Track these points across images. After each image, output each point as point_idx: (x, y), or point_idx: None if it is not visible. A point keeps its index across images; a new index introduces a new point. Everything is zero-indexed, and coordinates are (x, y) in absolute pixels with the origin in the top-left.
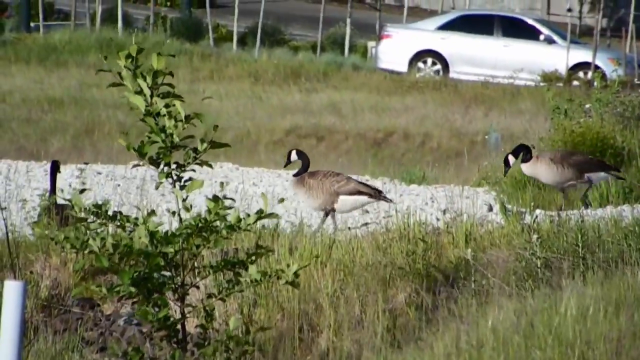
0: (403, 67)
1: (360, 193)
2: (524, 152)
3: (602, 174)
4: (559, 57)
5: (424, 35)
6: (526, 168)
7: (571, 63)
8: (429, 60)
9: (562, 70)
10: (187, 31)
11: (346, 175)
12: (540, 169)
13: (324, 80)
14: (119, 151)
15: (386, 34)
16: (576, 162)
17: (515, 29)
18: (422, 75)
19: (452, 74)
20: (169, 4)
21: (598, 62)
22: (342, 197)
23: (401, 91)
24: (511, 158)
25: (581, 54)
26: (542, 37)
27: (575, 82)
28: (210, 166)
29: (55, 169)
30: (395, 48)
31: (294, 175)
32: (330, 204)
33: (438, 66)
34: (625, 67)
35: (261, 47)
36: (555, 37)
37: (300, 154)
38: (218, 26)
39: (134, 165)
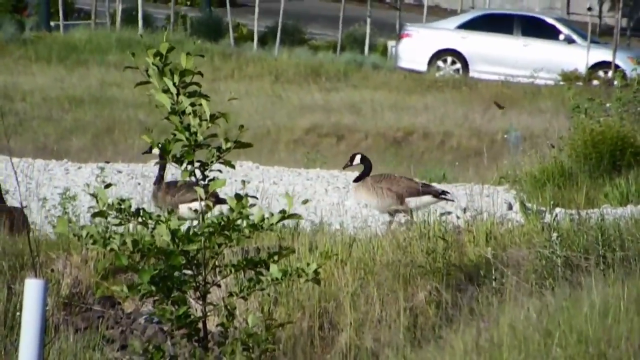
0: (423, 66)
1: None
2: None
3: (426, 198)
4: (578, 56)
5: (444, 34)
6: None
7: (591, 62)
8: (449, 59)
9: (582, 69)
10: (208, 30)
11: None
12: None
13: (344, 79)
14: (140, 150)
15: (406, 33)
16: (396, 188)
17: (535, 28)
18: (441, 74)
19: (471, 73)
20: (189, 3)
21: (618, 61)
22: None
23: (421, 90)
24: (357, 159)
25: (601, 53)
26: (561, 36)
27: (595, 82)
28: (233, 166)
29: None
30: (415, 47)
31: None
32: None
33: (458, 65)
34: None
35: (281, 46)
36: (575, 37)
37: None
38: (238, 25)
39: (157, 163)
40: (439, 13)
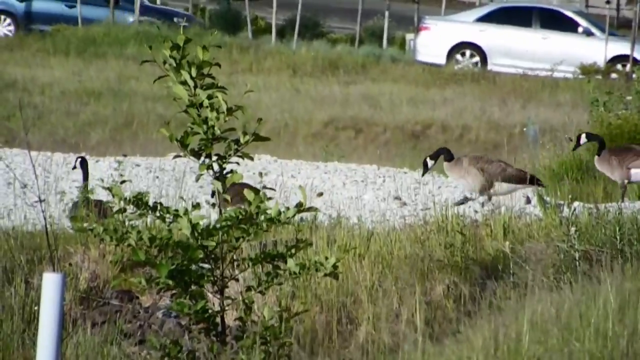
0: (441, 59)
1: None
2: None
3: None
4: (597, 49)
5: (463, 27)
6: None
7: (610, 55)
8: (467, 53)
9: (601, 62)
10: (226, 23)
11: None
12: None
13: (362, 72)
14: (158, 143)
15: (425, 26)
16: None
17: (554, 21)
18: (460, 67)
19: (490, 66)
20: None
21: (637, 55)
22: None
23: (439, 83)
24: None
25: (620, 47)
26: (580, 29)
27: (614, 75)
28: (251, 158)
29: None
30: (434, 40)
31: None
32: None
33: (476, 58)
34: None
35: (299, 40)
36: (594, 30)
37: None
38: (257, 18)
39: (175, 157)
40: (457, 6)
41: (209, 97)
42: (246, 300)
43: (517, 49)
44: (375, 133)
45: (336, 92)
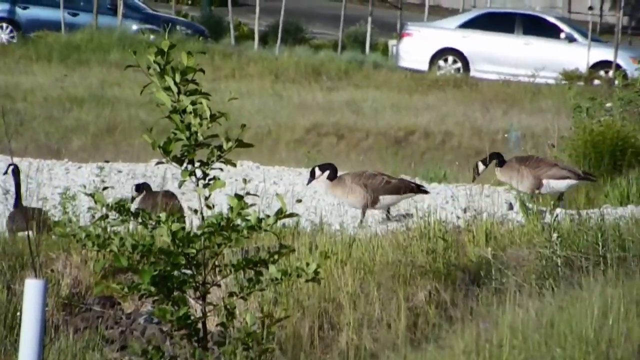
0: (424, 65)
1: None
2: (497, 159)
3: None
4: (580, 55)
5: (445, 33)
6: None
7: (592, 61)
8: (450, 59)
9: (583, 68)
10: (209, 29)
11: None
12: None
13: (345, 78)
14: (140, 149)
15: (407, 32)
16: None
17: (536, 27)
18: (442, 73)
19: (472, 73)
20: (190, 2)
21: (620, 61)
22: (545, 181)
23: (422, 89)
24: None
25: (602, 53)
26: (563, 35)
27: (596, 81)
28: (234, 165)
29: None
30: (416, 46)
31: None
32: (538, 187)
33: (459, 64)
34: None
35: (282, 45)
36: (576, 35)
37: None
38: (239, 24)
39: (157, 163)
40: (440, 12)
41: (193, 103)
42: (228, 306)
43: (500, 55)
44: (358, 139)
45: (319, 98)
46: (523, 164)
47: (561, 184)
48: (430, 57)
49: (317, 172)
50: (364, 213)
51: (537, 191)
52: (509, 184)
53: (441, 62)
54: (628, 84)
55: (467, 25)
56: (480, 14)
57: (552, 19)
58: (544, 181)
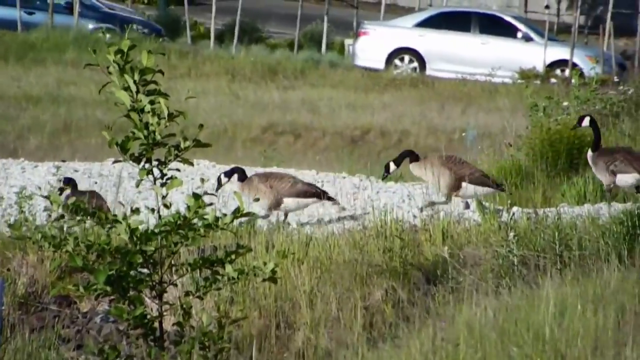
0: (380, 64)
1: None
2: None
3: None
4: (536, 54)
5: (401, 32)
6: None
7: (549, 60)
8: (406, 58)
9: (540, 67)
10: (165, 28)
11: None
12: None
13: (301, 77)
14: (97, 149)
15: (363, 31)
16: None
17: (493, 26)
18: (399, 72)
19: (429, 71)
20: (146, 1)
21: (576, 60)
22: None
23: (378, 88)
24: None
25: (559, 52)
26: (519, 34)
27: (553, 80)
28: (191, 164)
29: None
30: (373, 45)
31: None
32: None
33: (415, 63)
34: (603, 64)
35: (239, 45)
36: (533, 35)
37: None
38: (196, 23)
39: (115, 162)
40: (396, 11)
41: (151, 103)
42: (184, 306)
43: (456, 54)
44: (314, 138)
45: (275, 97)
46: (445, 162)
47: (480, 190)
48: (386, 56)
49: (223, 178)
50: (269, 213)
51: (454, 192)
52: (424, 179)
53: (397, 61)
54: (585, 82)
55: (423, 24)
56: (436, 13)
57: (508, 18)
58: (464, 184)
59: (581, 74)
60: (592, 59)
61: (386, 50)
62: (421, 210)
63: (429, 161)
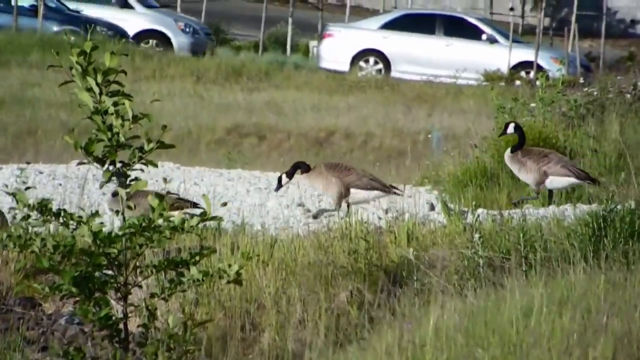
0: (345, 66)
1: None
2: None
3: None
4: (501, 56)
5: (366, 34)
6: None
7: (514, 62)
8: (371, 60)
9: (505, 69)
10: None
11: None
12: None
13: (266, 79)
14: (61, 151)
15: (328, 33)
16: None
17: (458, 28)
18: (363, 74)
19: (394, 73)
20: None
21: (541, 62)
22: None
23: (343, 90)
24: (284, 179)
25: (524, 53)
26: (484, 36)
27: (518, 82)
28: (156, 166)
29: None
30: (338, 47)
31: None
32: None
33: (380, 65)
34: (568, 66)
35: None
36: (498, 37)
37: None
38: None
39: (79, 164)
40: (361, 13)
41: (115, 104)
42: (149, 307)
43: (421, 56)
44: (279, 140)
45: (240, 99)
46: (332, 170)
47: (371, 194)
48: (351, 58)
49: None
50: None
51: (343, 199)
52: (316, 189)
53: (362, 63)
54: (549, 84)
55: (388, 26)
56: (401, 15)
57: (473, 20)
58: (353, 190)
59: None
60: (557, 60)
61: (351, 52)
62: (314, 217)
63: (317, 171)
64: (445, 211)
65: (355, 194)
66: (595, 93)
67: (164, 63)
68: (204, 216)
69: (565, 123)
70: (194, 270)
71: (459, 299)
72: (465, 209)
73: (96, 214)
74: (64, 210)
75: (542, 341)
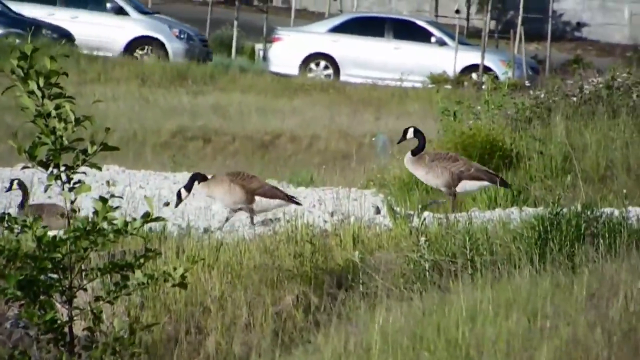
0: (294, 70)
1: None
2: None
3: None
4: (450, 58)
5: (315, 38)
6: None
7: (464, 65)
8: (322, 63)
9: (452, 72)
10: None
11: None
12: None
13: (211, 82)
14: (5, 153)
15: (277, 37)
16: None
17: (406, 31)
18: (312, 77)
19: (343, 77)
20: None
21: (490, 64)
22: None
23: (288, 93)
24: (184, 192)
25: (472, 56)
26: (433, 39)
27: (465, 84)
28: (99, 168)
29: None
30: (287, 51)
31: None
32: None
33: (330, 70)
34: (514, 69)
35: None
36: (447, 39)
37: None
38: None
39: (23, 167)
40: (306, 16)
41: (57, 107)
42: (95, 311)
43: (369, 59)
44: (224, 143)
45: (185, 102)
46: (234, 179)
47: (272, 203)
48: (300, 62)
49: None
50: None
51: (249, 205)
52: (213, 197)
53: (312, 67)
54: (496, 87)
55: (337, 29)
56: (350, 18)
57: (422, 23)
58: (257, 198)
59: (496, 78)
60: (505, 63)
61: (300, 56)
62: (219, 229)
63: (218, 179)
64: (391, 214)
65: (259, 201)
66: (541, 96)
67: (109, 66)
68: (147, 217)
69: (512, 126)
70: (138, 273)
71: (405, 303)
72: (411, 212)
73: (39, 218)
74: (9, 214)
75: (488, 344)
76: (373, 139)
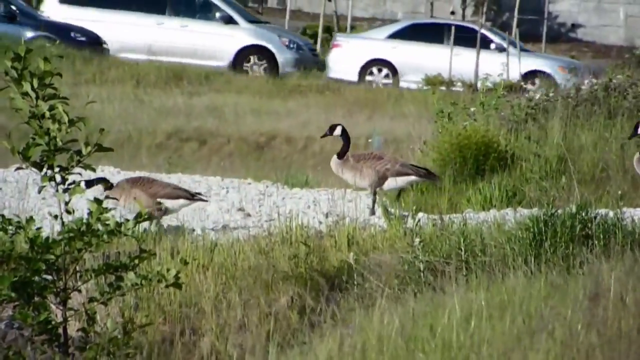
0: (353, 76)
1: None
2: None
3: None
4: (510, 64)
5: (374, 44)
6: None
7: (523, 71)
8: (381, 70)
9: (514, 78)
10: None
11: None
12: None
13: (206, 83)
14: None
15: (336, 43)
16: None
17: (466, 37)
18: (372, 83)
19: (402, 83)
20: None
21: (548, 70)
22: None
23: (283, 94)
24: (338, 130)
25: (531, 62)
26: (493, 45)
27: (459, 84)
28: (94, 170)
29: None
30: (346, 57)
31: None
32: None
33: (389, 75)
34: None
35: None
36: (506, 45)
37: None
38: None
39: (17, 168)
40: (301, 17)
41: (51, 108)
42: (89, 312)
43: (429, 65)
44: (219, 144)
45: (180, 103)
46: (136, 184)
47: (175, 203)
48: (360, 68)
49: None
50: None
51: (155, 208)
52: (119, 204)
53: (372, 72)
54: (490, 88)
55: (397, 35)
56: (409, 24)
57: (482, 30)
58: (163, 201)
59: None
60: (564, 69)
61: (359, 63)
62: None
63: (120, 186)
64: (385, 215)
65: (164, 203)
66: (537, 97)
67: (104, 67)
68: (139, 218)
69: (507, 127)
70: (131, 274)
71: (400, 304)
72: (406, 213)
73: (31, 219)
74: (2, 215)
75: (482, 345)
76: (369, 139)
